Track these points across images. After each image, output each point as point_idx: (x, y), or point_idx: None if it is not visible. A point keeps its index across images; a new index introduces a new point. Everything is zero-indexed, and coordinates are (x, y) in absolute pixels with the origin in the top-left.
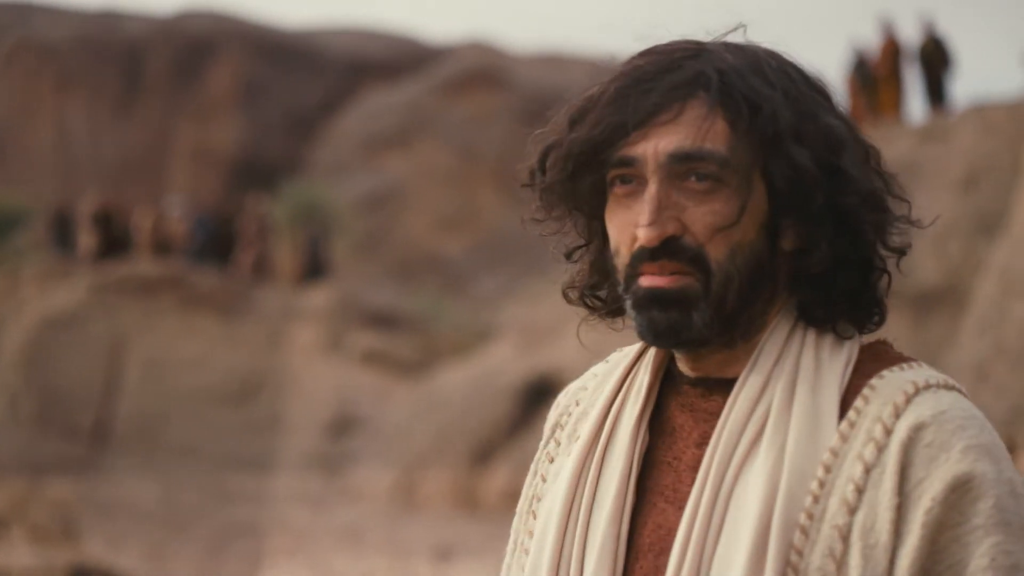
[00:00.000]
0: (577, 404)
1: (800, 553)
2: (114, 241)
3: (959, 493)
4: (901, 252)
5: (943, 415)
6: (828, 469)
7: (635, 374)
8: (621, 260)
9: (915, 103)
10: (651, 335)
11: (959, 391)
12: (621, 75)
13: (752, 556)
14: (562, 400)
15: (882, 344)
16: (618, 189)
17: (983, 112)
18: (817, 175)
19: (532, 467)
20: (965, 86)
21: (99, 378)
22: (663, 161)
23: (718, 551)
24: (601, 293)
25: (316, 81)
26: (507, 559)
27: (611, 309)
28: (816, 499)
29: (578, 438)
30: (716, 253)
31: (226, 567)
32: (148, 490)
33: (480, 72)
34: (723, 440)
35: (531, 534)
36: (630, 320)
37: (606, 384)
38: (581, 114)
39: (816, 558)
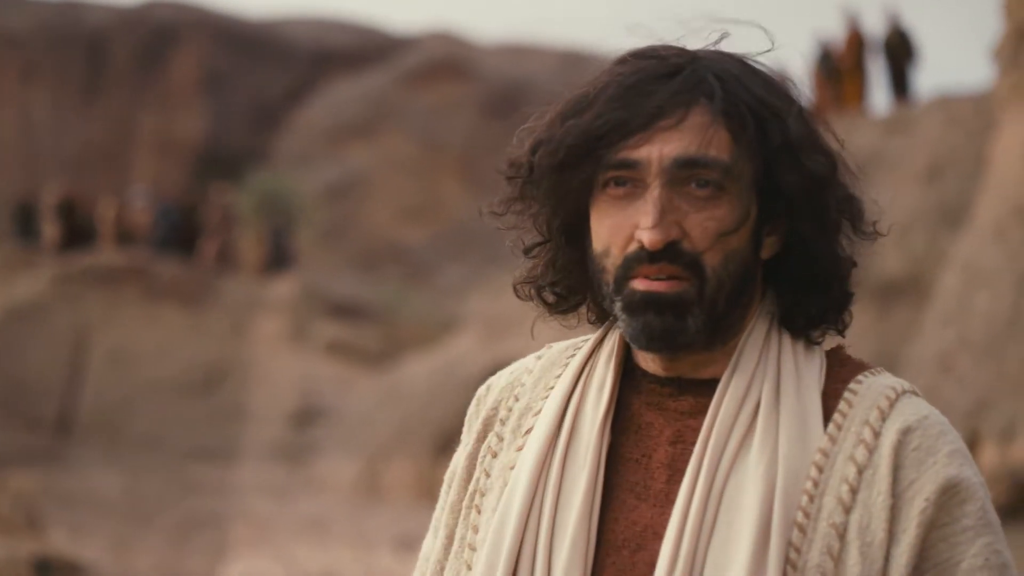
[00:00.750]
0: (516, 399)
1: (798, 550)
2: (77, 231)
3: (948, 495)
4: (853, 264)
5: (927, 420)
6: (820, 469)
7: (591, 369)
8: (612, 261)
9: (879, 95)
10: (645, 339)
11: (920, 396)
12: (619, 75)
13: (754, 552)
14: (489, 395)
15: (842, 349)
16: (612, 191)
17: (947, 104)
18: (827, 182)
19: (460, 462)
20: (930, 78)
21: (62, 369)
22: (667, 166)
23: (712, 546)
24: (557, 290)
25: (280, 71)
26: (434, 555)
27: (564, 307)
28: (811, 498)
29: (527, 433)
30: (712, 260)
31: (190, 557)
32: (112, 481)
33: (444, 62)
34: (713, 439)
35: (476, 529)
36: (621, 325)
37: (548, 377)
38: (578, 108)
39: (815, 555)
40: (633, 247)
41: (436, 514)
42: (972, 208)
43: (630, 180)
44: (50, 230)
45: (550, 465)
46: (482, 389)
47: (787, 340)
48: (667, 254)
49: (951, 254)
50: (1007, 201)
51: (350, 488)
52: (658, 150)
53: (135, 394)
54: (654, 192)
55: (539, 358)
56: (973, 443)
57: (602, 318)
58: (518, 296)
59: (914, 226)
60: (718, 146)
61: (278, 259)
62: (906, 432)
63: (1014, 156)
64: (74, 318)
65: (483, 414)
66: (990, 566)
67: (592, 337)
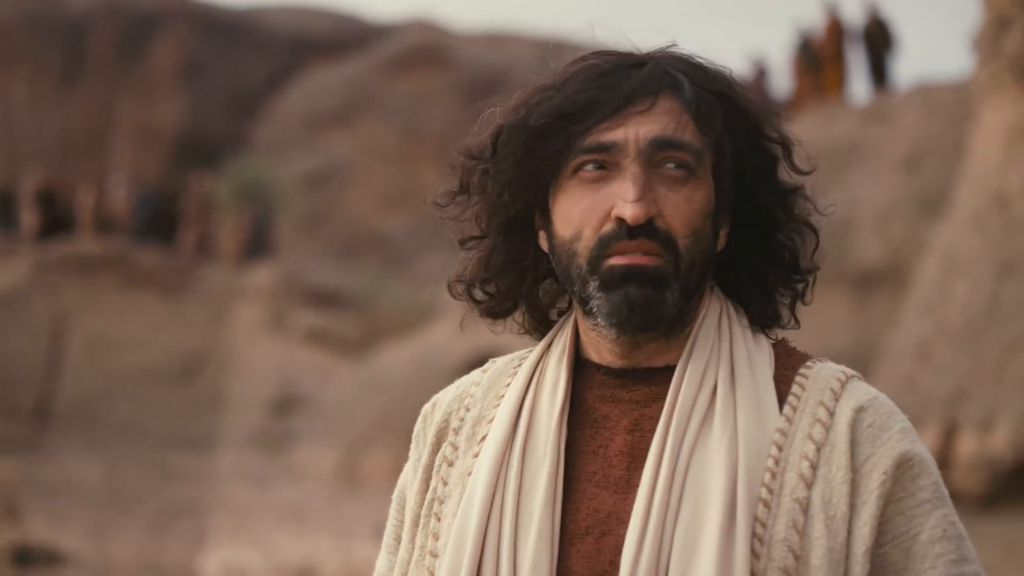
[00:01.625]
0: (467, 409)
1: (764, 525)
2: (56, 219)
3: (903, 470)
4: (814, 269)
5: (876, 400)
6: (780, 447)
7: (542, 371)
8: (584, 244)
9: (859, 84)
10: (626, 311)
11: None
12: (588, 64)
13: (722, 528)
14: (436, 410)
15: (787, 341)
16: (585, 173)
17: (926, 93)
18: (775, 176)
19: (416, 475)
20: (909, 67)
21: (41, 357)
22: (643, 147)
23: (680, 525)
24: (489, 289)
25: (259, 59)
26: (399, 570)
27: (495, 309)
28: (774, 475)
29: (482, 440)
30: (684, 239)
31: (169, 545)
32: (91, 469)
33: (423, 50)
34: (674, 423)
35: (436, 536)
36: (596, 303)
37: (497, 387)
38: (547, 92)
39: (780, 529)
40: (608, 226)
41: (388, 532)
42: (951, 197)
43: (604, 163)
44: (29, 218)
45: (508, 464)
46: (428, 406)
47: (737, 329)
48: (645, 230)
49: (930, 243)
50: (986, 190)
51: (329, 476)
52: (634, 132)
53: (114, 382)
54: (634, 170)
55: (484, 371)
56: (951, 432)
57: (539, 327)
58: (452, 295)
59: (893, 215)
60: (689, 132)
61: (257, 247)
62: (859, 411)
63: (993, 145)
64: (53, 306)
65: (434, 427)
66: (948, 536)
67: (539, 344)
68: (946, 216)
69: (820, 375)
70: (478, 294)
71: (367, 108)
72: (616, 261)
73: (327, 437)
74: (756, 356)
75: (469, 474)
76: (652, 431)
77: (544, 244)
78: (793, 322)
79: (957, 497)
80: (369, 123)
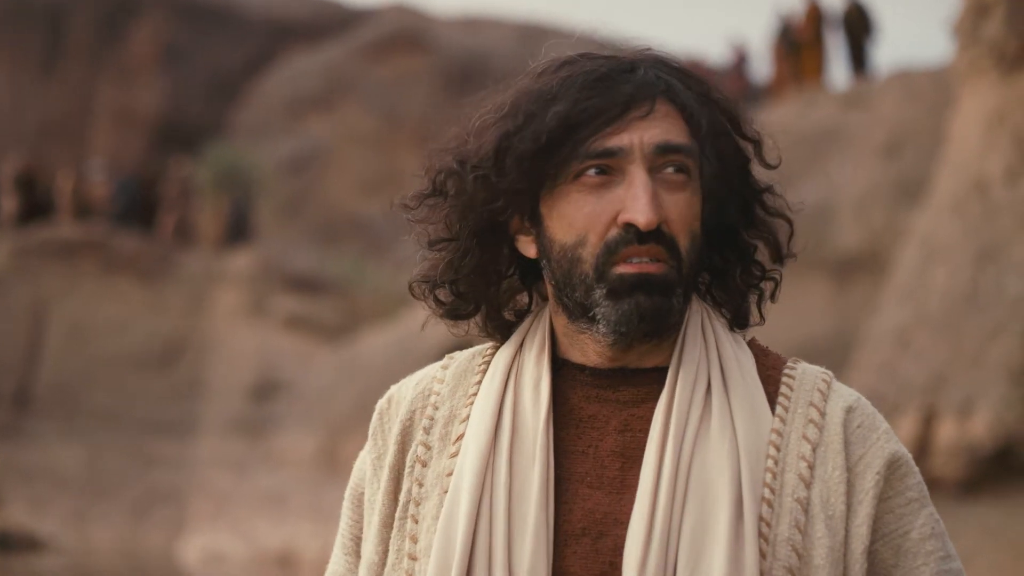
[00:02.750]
0: (436, 407)
1: (769, 524)
2: (36, 204)
3: (893, 469)
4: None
5: (860, 400)
6: (777, 448)
7: (520, 369)
8: (589, 250)
9: (839, 69)
10: (637, 320)
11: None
12: (582, 70)
13: (731, 527)
14: (397, 406)
15: (756, 340)
16: (588, 179)
17: (906, 79)
18: (748, 175)
19: (373, 473)
20: (889, 53)
21: (20, 343)
22: (648, 152)
23: (685, 525)
24: (458, 288)
25: (238, 43)
26: (364, 571)
27: (458, 311)
28: (774, 475)
29: (457, 439)
30: (684, 243)
31: (149, 531)
32: (70, 455)
33: (402, 35)
34: (673, 423)
35: (414, 539)
36: (602, 311)
37: (466, 384)
38: (545, 100)
39: (784, 529)
40: (614, 232)
41: (344, 532)
42: (930, 183)
43: (607, 168)
44: (8, 203)
45: (496, 465)
46: (383, 402)
47: (720, 329)
48: (654, 235)
49: (909, 229)
50: (965, 176)
51: (309, 462)
52: (638, 136)
53: (93, 368)
54: (641, 176)
55: (445, 368)
56: (930, 418)
57: (499, 329)
58: (413, 294)
59: (872, 201)
60: (684, 135)
61: (237, 232)
62: (849, 411)
63: (972, 131)
64: (32, 292)
65: (398, 424)
66: (936, 534)
67: (508, 343)
68: (925, 202)
69: (805, 376)
70: (443, 295)
71: (346, 93)
72: (625, 269)
73: (307, 423)
74: (742, 357)
75: (448, 475)
76: (643, 431)
77: (528, 249)
78: (761, 320)
79: (936, 484)
80: (348, 108)
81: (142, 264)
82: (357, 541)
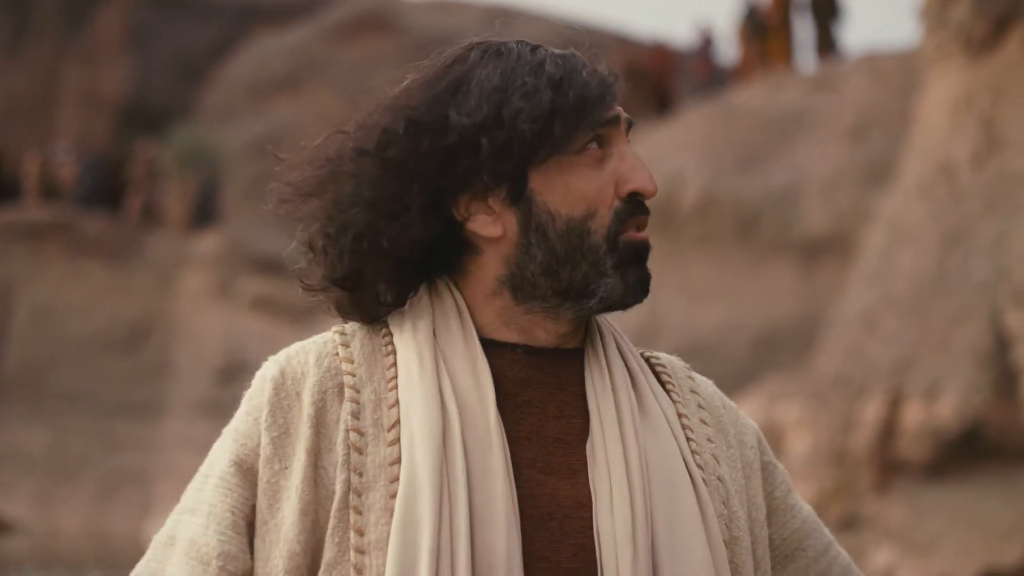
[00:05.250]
0: (357, 391)
1: (706, 502)
2: (2, 187)
3: (758, 439)
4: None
5: (710, 381)
6: (684, 428)
7: (443, 351)
8: (599, 221)
9: (806, 52)
10: (642, 292)
11: None
12: (565, 54)
13: (696, 505)
14: (299, 385)
15: None
16: (593, 152)
17: (873, 62)
18: None
19: (273, 450)
20: (856, 36)
21: None
22: (628, 123)
23: (659, 505)
24: (358, 282)
25: (205, 25)
26: (284, 560)
27: (350, 283)
28: (696, 453)
29: (392, 426)
30: None
31: (115, 514)
32: (36, 437)
33: (370, 17)
34: (617, 407)
35: (360, 532)
36: (609, 282)
37: (379, 368)
38: (558, 79)
39: (718, 505)
40: (617, 202)
41: (225, 507)
42: (897, 166)
43: (603, 140)
44: None
45: (451, 454)
46: (275, 375)
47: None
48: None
49: (876, 212)
50: (932, 159)
51: None
52: (618, 109)
53: (60, 350)
54: (630, 148)
55: (345, 346)
56: (897, 401)
57: (372, 312)
58: (306, 288)
59: (839, 184)
60: None
61: (203, 214)
62: (716, 394)
63: (939, 114)
64: None
65: (309, 405)
66: (791, 487)
67: (418, 322)
68: (892, 185)
69: (672, 362)
70: (345, 263)
71: (313, 75)
72: (634, 237)
73: None
74: (630, 344)
75: (391, 464)
76: (577, 417)
77: (487, 229)
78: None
79: (903, 466)
80: (315, 90)
81: (108, 246)
82: (248, 519)
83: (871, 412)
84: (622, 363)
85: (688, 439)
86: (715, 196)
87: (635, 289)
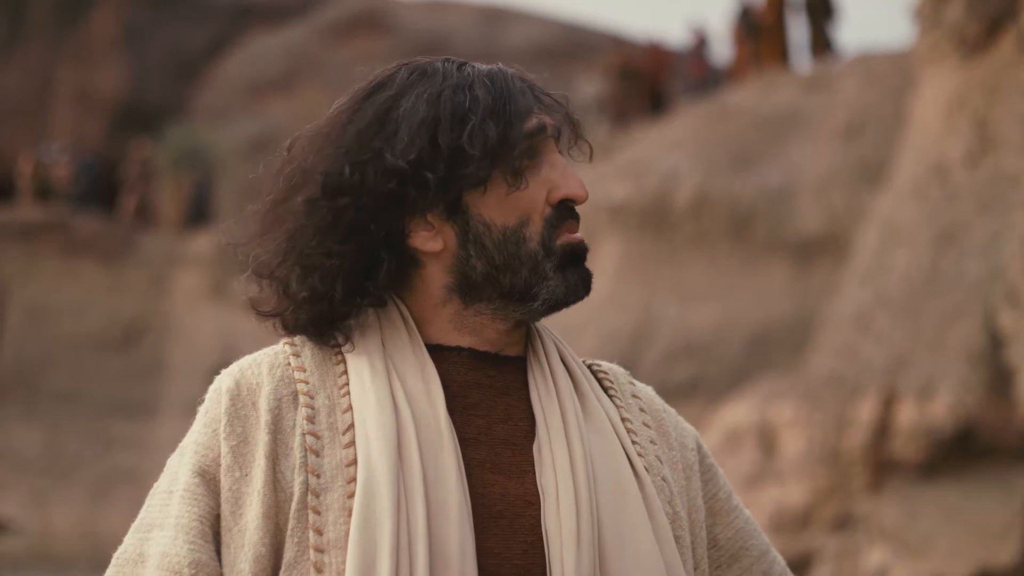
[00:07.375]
0: (311, 396)
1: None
2: None
3: (698, 444)
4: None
5: (650, 387)
6: (628, 431)
7: (391, 355)
8: (534, 228)
9: (800, 52)
10: (584, 289)
11: None
12: (503, 70)
13: (644, 502)
14: (255, 395)
15: None
16: (528, 162)
17: (867, 62)
18: None
19: (233, 458)
20: (850, 36)
21: None
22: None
23: (604, 504)
24: (313, 308)
25: (200, 24)
26: (249, 562)
27: (331, 313)
28: (640, 455)
29: (347, 429)
30: None
31: (109, 513)
32: (30, 437)
33: (364, 17)
34: (567, 409)
35: (319, 531)
36: (550, 284)
37: (331, 375)
38: (503, 95)
39: (664, 504)
40: (548, 209)
41: (191, 515)
42: (891, 166)
43: (534, 152)
44: None
45: (407, 456)
46: (231, 386)
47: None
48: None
49: (870, 212)
50: (926, 159)
51: None
52: (545, 120)
53: (54, 350)
54: (560, 157)
55: (296, 356)
56: (890, 400)
57: (322, 327)
58: (260, 315)
59: (833, 184)
60: None
61: (197, 214)
62: (654, 398)
63: (933, 114)
64: None
65: (265, 412)
66: (731, 491)
67: (356, 330)
68: (886, 185)
69: (614, 368)
70: (308, 284)
71: (308, 75)
72: (571, 239)
73: None
74: (571, 349)
75: (348, 465)
76: (522, 420)
77: (428, 244)
78: None
79: (896, 466)
80: (310, 90)
81: (103, 246)
82: (214, 528)
83: (865, 412)
84: (564, 369)
85: (633, 441)
86: (709, 196)
87: (576, 288)
